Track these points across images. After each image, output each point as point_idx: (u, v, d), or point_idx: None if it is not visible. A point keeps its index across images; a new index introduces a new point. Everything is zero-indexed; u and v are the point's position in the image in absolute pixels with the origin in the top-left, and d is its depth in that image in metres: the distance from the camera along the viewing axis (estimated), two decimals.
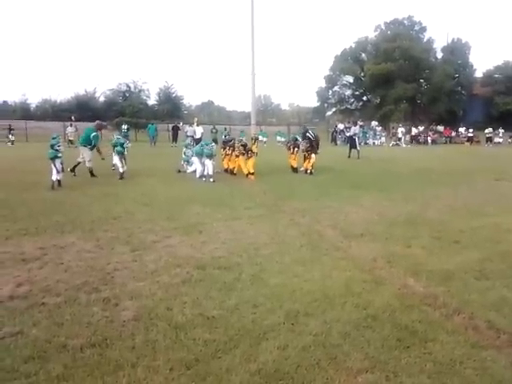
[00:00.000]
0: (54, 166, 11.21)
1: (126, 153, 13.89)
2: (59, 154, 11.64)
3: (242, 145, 14.66)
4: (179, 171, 14.91)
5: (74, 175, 13.38)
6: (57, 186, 11.20)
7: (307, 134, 15.87)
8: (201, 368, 3.14)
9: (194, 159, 14.14)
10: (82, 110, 57.77)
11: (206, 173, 13.23)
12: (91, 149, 13.63)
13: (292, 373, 3.10)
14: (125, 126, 34.39)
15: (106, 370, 3.10)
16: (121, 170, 13.17)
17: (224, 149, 15.46)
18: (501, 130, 42.58)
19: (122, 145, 13.79)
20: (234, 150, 14.63)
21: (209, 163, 13.20)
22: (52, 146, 11.67)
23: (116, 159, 13.46)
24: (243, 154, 14.29)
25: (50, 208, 8.73)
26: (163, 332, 3.63)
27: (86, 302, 4.23)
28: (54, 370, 3.08)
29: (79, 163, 13.71)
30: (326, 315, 3.98)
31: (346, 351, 3.38)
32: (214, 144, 14.51)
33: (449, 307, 4.14)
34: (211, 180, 12.89)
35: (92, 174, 13.45)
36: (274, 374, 3.08)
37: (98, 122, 14.66)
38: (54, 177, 11.17)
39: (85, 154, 13.60)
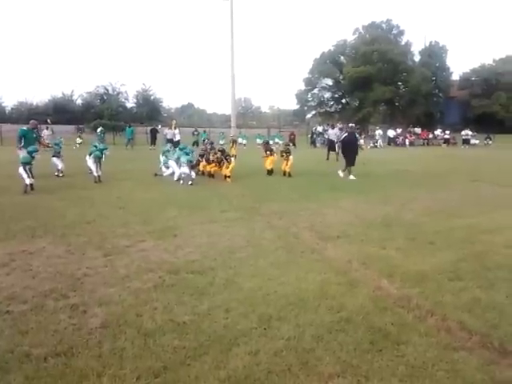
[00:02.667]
0: (25, 170, 11.00)
1: (103, 159, 13.76)
2: (33, 162, 11.54)
3: (219, 150, 14.60)
4: (156, 174, 14.74)
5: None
6: (29, 190, 10.96)
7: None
8: (169, 376, 3.06)
9: (172, 163, 14.01)
10: (59, 112, 57.03)
11: (185, 175, 13.09)
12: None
13: (263, 379, 3.04)
14: (99, 130, 34.01)
15: (69, 380, 2.99)
16: (95, 174, 12.97)
17: (202, 156, 15.36)
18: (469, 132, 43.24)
19: (101, 150, 13.66)
20: (212, 161, 14.64)
21: (187, 170, 13.05)
22: (29, 153, 11.51)
23: (90, 163, 13.24)
24: (221, 161, 14.24)
25: (21, 212, 8.52)
26: (131, 339, 3.53)
27: (53, 309, 4.11)
28: (15, 382, 2.96)
29: None
30: (300, 319, 3.92)
31: (318, 355, 3.33)
32: (192, 150, 14.41)
33: (422, 309, 4.13)
34: (189, 183, 12.77)
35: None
36: (244, 381, 3.01)
37: (32, 121, 14.03)
38: (27, 181, 10.94)
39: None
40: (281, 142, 30.56)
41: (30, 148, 11.89)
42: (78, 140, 34.10)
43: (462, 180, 14.35)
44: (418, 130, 46.85)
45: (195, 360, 3.25)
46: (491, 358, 3.32)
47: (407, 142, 41.73)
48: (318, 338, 3.58)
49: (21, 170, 11.07)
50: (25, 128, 13.16)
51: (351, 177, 14.39)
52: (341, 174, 14.70)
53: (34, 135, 13.45)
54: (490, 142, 41.99)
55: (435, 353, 3.37)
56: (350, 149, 15.05)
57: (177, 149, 14.67)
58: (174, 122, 30.73)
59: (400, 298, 4.39)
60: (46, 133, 31.75)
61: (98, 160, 13.24)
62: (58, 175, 13.65)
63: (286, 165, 15.00)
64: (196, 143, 31.90)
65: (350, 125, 17.76)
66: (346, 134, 15.77)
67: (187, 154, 13.30)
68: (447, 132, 44.16)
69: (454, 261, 5.63)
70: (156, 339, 3.54)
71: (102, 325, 3.79)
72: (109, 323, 3.82)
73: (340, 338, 3.59)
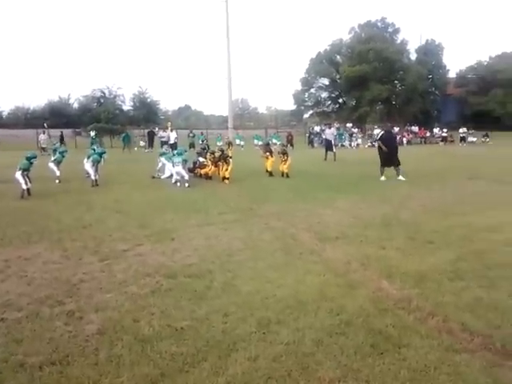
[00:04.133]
0: (22, 176, 10.95)
1: (102, 163, 13.78)
2: (31, 168, 11.53)
3: (219, 150, 14.61)
4: (153, 177, 14.69)
5: None
6: (26, 195, 10.89)
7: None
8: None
9: (169, 165, 13.97)
10: (56, 116, 57.01)
11: (180, 178, 13.06)
12: None
13: None
14: (93, 133, 33.98)
15: None
16: (93, 178, 12.92)
17: (200, 154, 15.39)
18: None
19: (100, 154, 13.70)
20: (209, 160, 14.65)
21: (181, 169, 13.01)
22: (28, 159, 11.50)
23: (88, 166, 13.21)
24: (217, 161, 14.25)
25: (17, 218, 8.46)
26: (128, 346, 3.47)
27: (48, 316, 4.05)
28: None
29: None
30: (299, 322, 3.87)
31: (318, 360, 3.27)
32: (186, 151, 14.40)
33: (423, 310, 4.07)
34: (186, 185, 12.72)
35: None
36: None
37: None
38: (24, 186, 10.88)
39: None
40: (278, 143, 30.46)
41: (30, 154, 11.88)
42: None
43: (459, 178, 14.31)
44: (415, 128, 46.86)
45: (193, 367, 3.19)
46: (494, 360, 3.26)
47: (405, 141, 41.70)
48: (318, 342, 3.52)
49: (18, 175, 11.01)
50: None
51: (400, 177, 13.74)
52: (382, 178, 13.91)
53: None
54: (488, 140, 41.98)
55: (437, 355, 3.31)
56: (390, 149, 14.11)
57: (175, 152, 14.66)
58: (169, 124, 30.66)
59: (400, 300, 4.33)
60: (42, 137, 31.72)
61: (96, 164, 13.23)
62: (59, 182, 13.52)
63: (284, 165, 14.96)
64: (192, 145, 31.84)
65: (389, 124, 16.67)
66: (383, 133, 15.09)
67: (181, 155, 13.30)
68: (444, 130, 44.17)
69: (454, 260, 5.58)
70: (153, 345, 3.48)
71: (98, 331, 3.73)
72: (105, 329, 3.76)
73: (340, 341, 3.54)
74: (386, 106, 64.08)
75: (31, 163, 11.57)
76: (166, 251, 6.13)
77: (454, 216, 8.23)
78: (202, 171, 14.92)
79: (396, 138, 15.31)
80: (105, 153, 14.48)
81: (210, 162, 14.76)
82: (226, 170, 13.76)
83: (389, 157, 14.07)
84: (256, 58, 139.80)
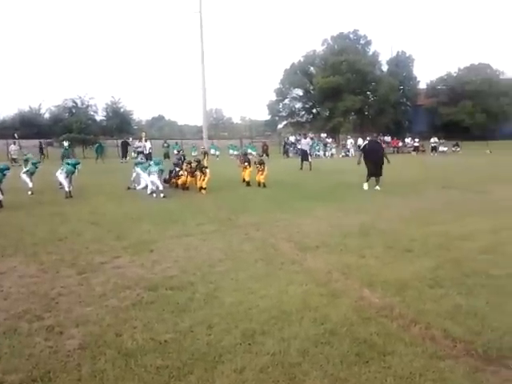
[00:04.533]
0: None
1: (76, 174, 13.55)
2: (3, 180, 11.35)
3: (196, 161, 14.57)
4: (129, 188, 14.51)
5: None
6: None
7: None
8: None
9: (144, 176, 13.83)
10: (27, 126, 55.84)
11: (155, 188, 12.96)
12: None
13: None
14: (66, 143, 33.48)
15: None
16: (67, 189, 12.70)
17: (176, 165, 15.30)
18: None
19: (74, 165, 13.49)
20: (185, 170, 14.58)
21: (156, 179, 12.93)
22: (0, 170, 11.25)
23: (61, 177, 12.97)
24: (194, 172, 14.19)
25: None
26: (112, 360, 3.41)
27: (27, 331, 3.94)
28: None
29: None
30: (284, 332, 3.86)
31: (304, 370, 3.27)
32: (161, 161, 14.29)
33: (405, 318, 4.12)
34: (161, 195, 12.62)
35: None
36: None
37: None
38: None
39: None
40: (254, 153, 30.51)
41: (2, 165, 11.63)
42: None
43: (433, 187, 14.57)
44: (387, 138, 47.63)
45: (179, 380, 3.15)
46: (477, 365, 3.32)
47: None
48: (304, 352, 3.52)
49: (61, 177, 10.80)
50: None
51: (376, 187, 13.97)
52: (365, 186, 14.05)
53: None
54: (459, 149, 43.02)
55: (422, 362, 3.35)
56: (371, 158, 14.36)
57: (151, 162, 14.54)
58: (144, 134, 30.46)
59: (383, 308, 4.37)
60: (13, 148, 31.05)
61: (70, 175, 13.02)
62: (32, 193, 13.23)
63: (261, 175, 14.99)
64: (167, 155, 31.65)
65: (374, 134, 16.59)
66: (367, 142, 15.38)
67: (158, 164, 13.20)
68: (416, 140, 45.08)
69: (433, 268, 5.67)
70: (137, 359, 3.42)
71: (80, 346, 3.65)
72: (87, 344, 3.68)
73: (326, 350, 3.54)
74: (359, 117, 65.05)
75: (4, 175, 11.32)
76: (146, 263, 6.05)
77: (430, 225, 8.36)
78: (179, 181, 14.81)
79: (382, 148, 15.32)
80: (79, 163, 14.24)
81: (186, 173, 14.67)
82: (203, 180, 13.70)
83: (374, 166, 14.19)
84: (230, 68, 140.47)
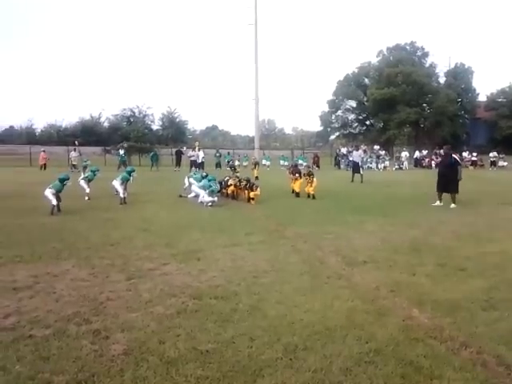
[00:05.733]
0: (52, 194, 11.15)
1: (131, 181, 13.99)
2: (63, 190, 11.74)
3: (245, 180, 14.46)
4: (181, 196, 14.79)
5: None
6: (56, 211, 11.08)
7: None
8: None
9: (194, 187, 14.00)
10: (87, 134, 58.35)
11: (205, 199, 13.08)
12: None
13: None
14: (122, 151, 34.51)
15: None
16: (121, 196, 13.10)
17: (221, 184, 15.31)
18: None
19: (129, 172, 13.96)
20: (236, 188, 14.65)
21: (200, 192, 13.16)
22: (61, 180, 11.71)
23: (117, 184, 13.40)
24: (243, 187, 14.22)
25: (47, 234, 8.60)
26: (154, 368, 3.44)
27: (75, 334, 4.05)
28: None
29: None
30: (327, 349, 3.78)
31: None
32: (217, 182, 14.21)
33: (455, 340, 3.93)
34: (209, 204, 12.72)
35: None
36: None
37: None
38: (54, 202, 11.07)
39: None
40: (304, 164, 30.35)
41: (63, 176, 12.08)
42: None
43: (490, 203, 13.97)
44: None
45: None
46: None
47: (433, 164, 41.11)
48: (346, 371, 3.43)
49: (47, 192, 11.20)
50: None
51: (452, 205, 12.92)
52: (436, 203, 13.26)
53: None
54: None
55: None
56: (440, 172, 13.88)
57: (202, 175, 14.78)
58: (197, 143, 31.00)
59: (432, 329, 4.20)
60: (73, 154, 32.36)
61: (125, 182, 13.45)
62: (88, 199, 13.73)
63: (310, 187, 14.88)
64: (218, 165, 32.04)
65: (444, 146, 15.16)
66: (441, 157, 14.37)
67: (210, 186, 13.26)
68: (474, 154, 43.42)
69: (487, 288, 5.40)
70: (179, 368, 3.44)
71: (124, 352, 3.71)
72: (131, 350, 3.74)
73: (369, 370, 3.43)
74: (414, 129, 63.59)
75: (64, 184, 11.76)
76: (192, 271, 6.11)
77: (485, 242, 8.01)
78: (229, 190, 14.91)
79: (454, 163, 13.79)
80: (134, 171, 14.68)
81: (234, 188, 14.69)
82: (254, 193, 13.67)
83: (441, 181, 13.54)
84: (283, 79, 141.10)
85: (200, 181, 14.21)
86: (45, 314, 4.53)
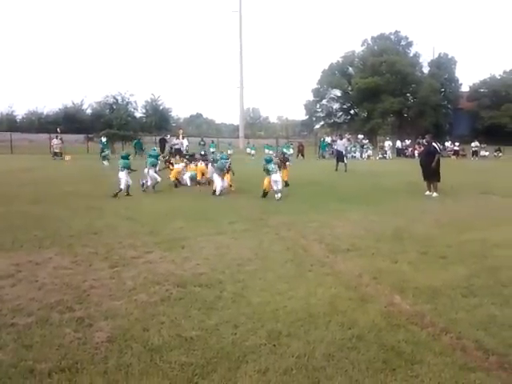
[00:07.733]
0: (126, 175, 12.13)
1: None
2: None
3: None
4: (176, 186, 14.64)
5: None
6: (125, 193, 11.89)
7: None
8: None
9: (214, 176, 13.52)
10: (69, 122, 57.43)
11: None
12: None
13: None
14: (104, 139, 34.13)
15: None
16: (122, 187, 12.51)
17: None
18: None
19: (156, 157, 14.55)
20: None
21: (217, 179, 13.02)
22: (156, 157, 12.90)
23: (123, 175, 12.61)
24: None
25: (29, 222, 8.50)
26: (138, 355, 3.45)
27: (58, 322, 4.04)
28: None
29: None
30: (310, 335, 3.82)
31: (329, 374, 3.22)
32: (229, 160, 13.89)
33: (436, 326, 4.01)
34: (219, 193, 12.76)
35: None
36: None
37: None
38: (123, 185, 12.02)
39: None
40: (289, 153, 30.27)
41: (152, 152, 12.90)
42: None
43: (472, 192, 14.14)
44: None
45: (203, 378, 3.16)
46: (510, 379, 3.20)
47: (416, 154, 41.48)
48: (329, 356, 3.47)
49: (121, 174, 12.27)
50: None
51: (433, 194, 13.16)
52: (426, 192, 13.38)
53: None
54: (500, 154, 41.64)
55: (451, 373, 3.25)
56: (422, 161, 14.01)
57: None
58: (181, 131, 30.79)
59: (413, 315, 4.27)
60: (55, 142, 31.91)
61: (152, 166, 13.85)
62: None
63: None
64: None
65: (426, 136, 15.03)
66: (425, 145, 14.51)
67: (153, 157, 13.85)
68: (456, 143, 43.89)
69: (467, 276, 5.50)
70: (163, 355, 3.45)
71: (107, 339, 3.71)
72: (115, 338, 3.74)
73: (352, 356, 3.48)
74: (398, 119, 63.96)
75: (157, 159, 13.38)
76: (176, 259, 6.11)
77: (466, 231, 8.13)
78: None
79: (435, 152, 13.65)
80: (130, 155, 14.45)
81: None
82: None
83: (424, 170, 13.71)
84: (268, 67, 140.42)
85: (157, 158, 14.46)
86: (27, 302, 4.50)
